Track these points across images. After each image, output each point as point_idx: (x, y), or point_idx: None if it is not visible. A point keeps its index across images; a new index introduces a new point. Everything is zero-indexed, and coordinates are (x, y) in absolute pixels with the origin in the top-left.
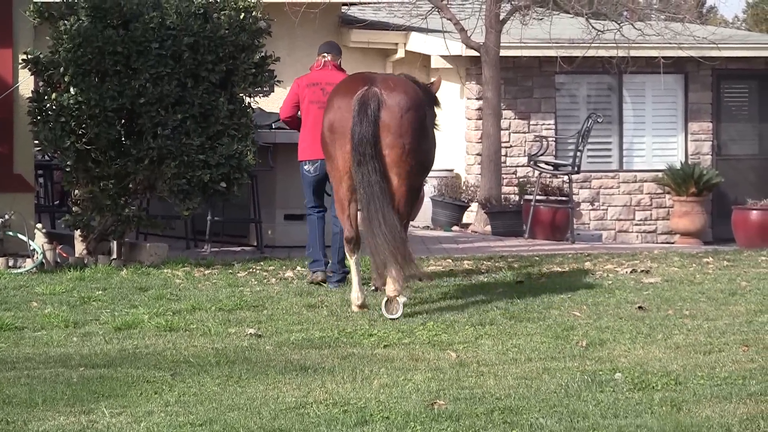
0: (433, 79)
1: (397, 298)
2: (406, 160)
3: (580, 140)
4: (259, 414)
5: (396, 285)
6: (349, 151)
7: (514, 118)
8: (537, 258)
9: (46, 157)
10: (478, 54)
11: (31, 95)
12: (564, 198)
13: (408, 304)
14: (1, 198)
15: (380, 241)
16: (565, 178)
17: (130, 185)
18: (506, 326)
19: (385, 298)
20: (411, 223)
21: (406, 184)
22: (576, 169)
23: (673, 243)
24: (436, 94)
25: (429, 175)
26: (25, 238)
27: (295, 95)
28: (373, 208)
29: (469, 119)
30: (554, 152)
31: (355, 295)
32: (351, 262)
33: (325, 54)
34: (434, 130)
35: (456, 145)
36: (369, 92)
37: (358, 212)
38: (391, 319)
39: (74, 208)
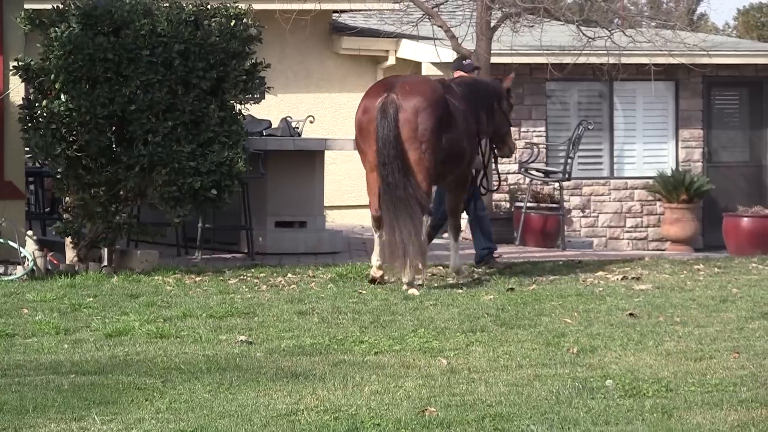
0: (510, 75)
1: (410, 289)
2: (425, 156)
3: (571, 147)
4: (250, 421)
5: (407, 276)
6: (375, 150)
7: None
8: (528, 265)
9: (37, 164)
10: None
11: (21, 102)
12: (555, 205)
13: (399, 312)
14: None
15: (397, 238)
16: (556, 185)
17: (121, 192)
18: (497, 333)
19: (404, 287)
20: None
21: (428, 179)
22: (567, 176)
23: (664, 250)
24: (508, 88)
25: None
26: (15, 245)
27: None
28: (392, 208)
29: None
30: (545, 159)
31: (376, 258)
32: (375, 236)
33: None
34: (471, 125)
35: None
36: (388, 99)
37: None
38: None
39: (65, 216)
